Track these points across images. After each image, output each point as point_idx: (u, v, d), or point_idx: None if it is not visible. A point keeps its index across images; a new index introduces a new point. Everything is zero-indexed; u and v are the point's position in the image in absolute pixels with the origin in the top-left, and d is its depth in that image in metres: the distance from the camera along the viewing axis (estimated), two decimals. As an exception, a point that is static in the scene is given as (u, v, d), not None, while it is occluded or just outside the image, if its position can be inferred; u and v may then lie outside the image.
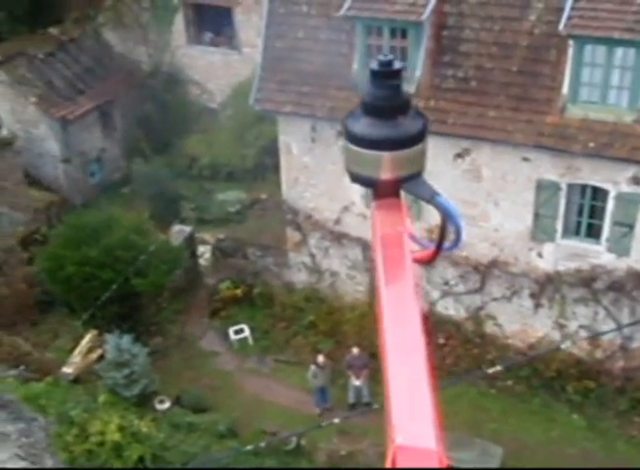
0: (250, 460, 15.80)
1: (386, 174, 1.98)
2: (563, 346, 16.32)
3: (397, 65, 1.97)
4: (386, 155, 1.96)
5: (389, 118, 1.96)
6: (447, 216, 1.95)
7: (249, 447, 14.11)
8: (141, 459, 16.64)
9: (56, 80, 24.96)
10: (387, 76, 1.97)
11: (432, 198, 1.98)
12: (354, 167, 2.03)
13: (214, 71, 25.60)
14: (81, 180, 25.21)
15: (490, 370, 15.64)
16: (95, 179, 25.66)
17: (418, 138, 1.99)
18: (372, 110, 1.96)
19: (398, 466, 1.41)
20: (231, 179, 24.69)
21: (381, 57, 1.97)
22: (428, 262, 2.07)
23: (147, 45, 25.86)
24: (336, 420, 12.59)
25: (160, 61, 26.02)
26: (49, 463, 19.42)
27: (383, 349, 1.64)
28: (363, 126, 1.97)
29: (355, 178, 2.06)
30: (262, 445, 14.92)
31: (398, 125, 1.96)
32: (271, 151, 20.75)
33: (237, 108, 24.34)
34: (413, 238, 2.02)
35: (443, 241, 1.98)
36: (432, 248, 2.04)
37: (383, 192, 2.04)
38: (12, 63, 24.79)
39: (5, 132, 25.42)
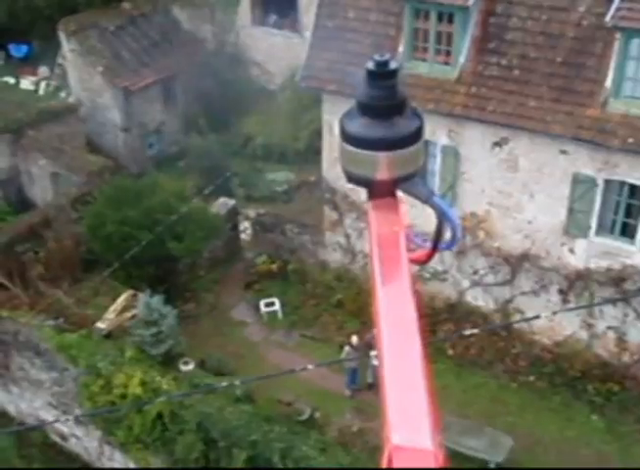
0: (260, 425, 16.10)
1: (382, 174, 1.96)
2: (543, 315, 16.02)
3: (394, 64, 1.93)
4: (382, 155, 1.94)
5: (386, 119, 1.93)
6: (443, 217, 1.95)
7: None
8: (159, 415, 17.18)
9: (123, 52, 25.89)
10: (383, 76, 1.93)
11: (428, 198, 1.98)
12: (350, 167, 2.00)
13: (276, 53, 26.07)
14: (139, 150, 26.06)
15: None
16: (152, 150, 26.48)
17: (414, 138, 1.96)
18: (368, 110, 1.94)
19: (395, 466, 1.39)
20: (283, 160, 25.07)
21: (377, 56, 1.92)
22: (424, 263, 2.07)
23: (213, 24, 26.54)
24: (310, 367, 12.74)
25: (224, 40, 26.67)
26: (77, 412, 20.21)
27: (379, 348, 1.64)
28: (359, 127, 1.95)
29: (351, 178, 2.02)
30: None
31: (395, 126, 1.93)
32: (323, 135, 20.97)
33: (294, 90, 24.69)
34: (409, 238, 2.01)
35: (439, 241, 1.99)
36: (428, 247, 2.04)
37: (379, 192, 2.01)
38: (84, 33, 25.85)
39: (72, 99, 26.52)
